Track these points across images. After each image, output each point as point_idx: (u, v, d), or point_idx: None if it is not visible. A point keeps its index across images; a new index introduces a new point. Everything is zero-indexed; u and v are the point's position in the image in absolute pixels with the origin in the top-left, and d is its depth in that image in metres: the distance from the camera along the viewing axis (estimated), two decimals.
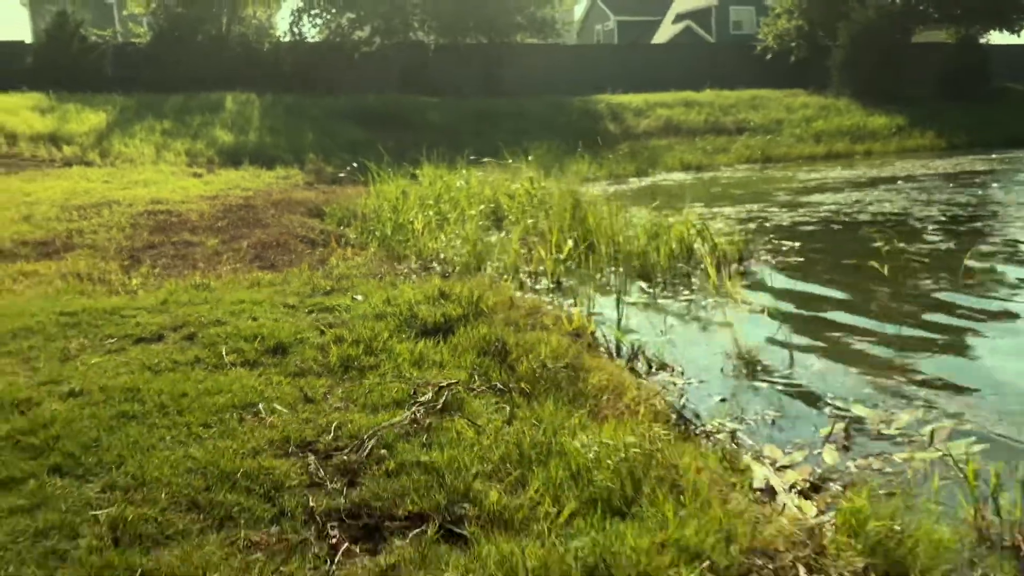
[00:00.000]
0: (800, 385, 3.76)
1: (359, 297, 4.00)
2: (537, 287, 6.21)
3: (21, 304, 4.20)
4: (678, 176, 17.84)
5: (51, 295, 4.53)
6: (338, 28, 25.37)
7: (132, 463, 2.05)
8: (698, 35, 33.24)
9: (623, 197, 11.07)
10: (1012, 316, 4.91)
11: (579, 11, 40.13)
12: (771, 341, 4.48)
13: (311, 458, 2.14)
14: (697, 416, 3.27)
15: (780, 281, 6.17)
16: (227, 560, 1.62)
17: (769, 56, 27.81)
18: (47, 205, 9.66)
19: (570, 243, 6.30)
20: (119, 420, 2.35)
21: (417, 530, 1.75)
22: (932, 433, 2.97)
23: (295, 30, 25.46)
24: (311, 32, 25.86)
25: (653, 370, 3.90)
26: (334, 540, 1.71)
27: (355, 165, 13.06)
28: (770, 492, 2.50)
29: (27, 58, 24.08)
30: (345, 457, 2.13)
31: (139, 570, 1.59)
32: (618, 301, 4.62)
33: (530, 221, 8.34)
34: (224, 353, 3.07)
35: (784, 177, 15.85)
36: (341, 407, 2.54)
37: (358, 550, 1.70)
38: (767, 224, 9.45)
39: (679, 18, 34.31)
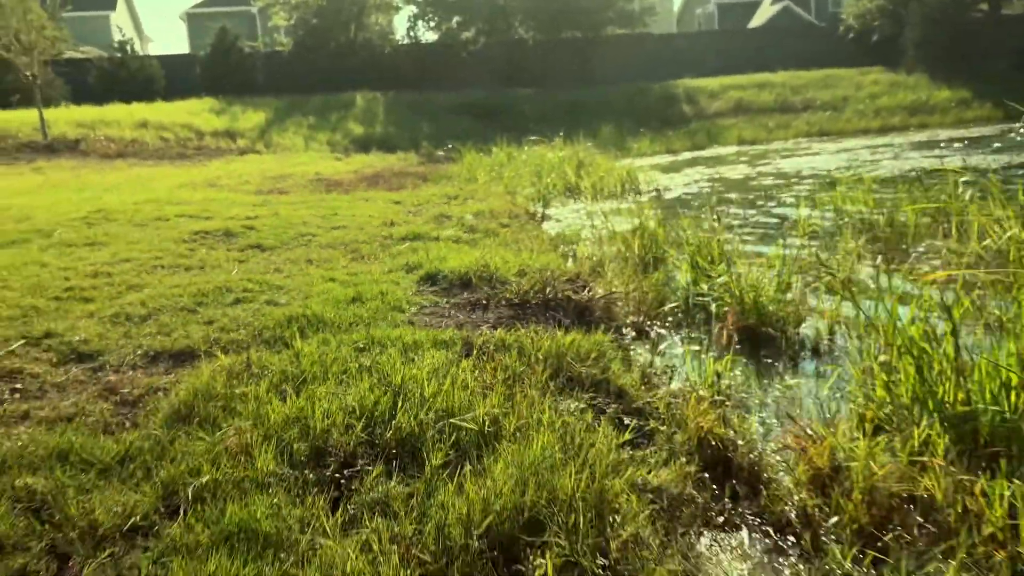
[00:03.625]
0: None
1: (429, 192, 11.38)
2: (534, 207, 13.31)
3: (289, 198, 11.81)
4: (724, 150, 24.20)
5: (306, 198, 12.17)
6: (448, 30, 33.28)
7: (349, 218, 9.40)
8: (796, 15, 38.85)
9: (657, 165, 18.01)
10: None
11: None
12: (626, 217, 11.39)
13: (403, 209, 9.42)
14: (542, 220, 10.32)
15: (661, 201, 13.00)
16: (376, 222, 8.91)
17: (851, 35, 33.24)
18: (250, 176, 17.59)
19: (547, 180, 13.40)
20: (356, 204, 9.70)
21: (430, 212, 8.96)
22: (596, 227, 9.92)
23: (411, 34, 33.68)
24: (425, 35, 34.00)
25: (548, 217, 10.95)
26: (393, 221, 8.93)
27: (449, 146, 20.65)
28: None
29: (196, 68, 33.28)
30: (414, 208, 9.37)
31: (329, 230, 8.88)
32: (544, 198, 11.74)
33: (554, 175, 15.44)
34: (381, 201, 10.42)
35: (794, 148, 22.05)
36: (414, 207, 9.80)
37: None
38: (716, 175, 16.09)
39: None
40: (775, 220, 9.41)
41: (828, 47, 33.87)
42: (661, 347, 4.85)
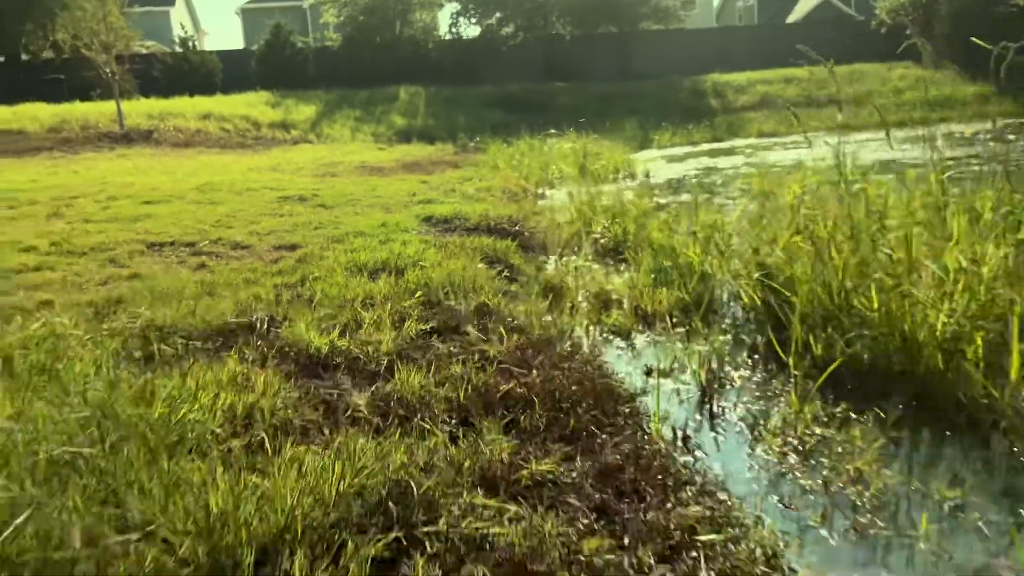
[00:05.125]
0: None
1: (453, 175, 15.46)
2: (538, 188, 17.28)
3: (340, 179, 15.97)
4: (741, 142, 27.87)
5: (354, 179, 16.33)
6: (489, 26, 37.44)
7: (385, 191, 13.47)
8: (836, 8, 42.14)
9: (669, 156, 21.90)
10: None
11: None
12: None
13: (427, 187, 13.48)
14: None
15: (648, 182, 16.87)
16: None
17: (883, 31, 36.49)
18: (305, 163, 21.88)
19: (553, 167, 17.37)
20: (392, 184, 13.79)
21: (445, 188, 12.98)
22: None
23: (453, 30, 37.94)
24: (466, 31, 38.24)
25: (546, 196, 14.92)
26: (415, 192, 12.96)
27: (477, 139, 24.78)
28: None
29: (251, 63, 37.81)
30: (436, 186, 13.39)
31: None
32: (549, 181, 15.73)
33: (561, 163, 19.41)
34: (412, 181, 14.51)
35: (801, 141, 25.61)
36: (436, 185, 13.86)
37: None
38: (711, 166, 19.89)
39: None
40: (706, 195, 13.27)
41: (862, 42, 37.14)
42: (564, 260, 8.82)
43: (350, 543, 2.28)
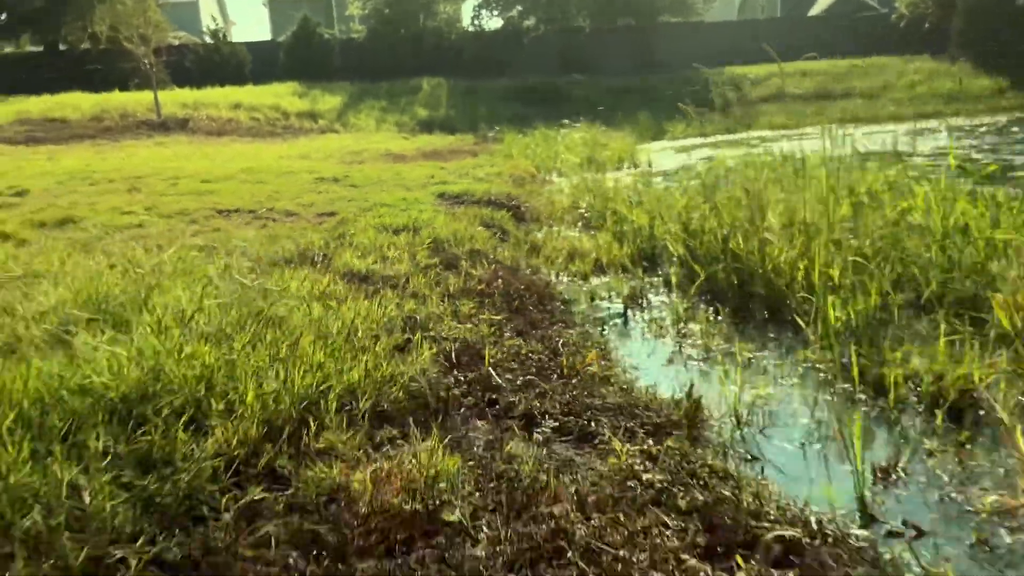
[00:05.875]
0: None
1: (469, 162, 17.84)
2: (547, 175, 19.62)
3: (366, 166, 18.40)
4: (751, 135, 30.02)
5: (379, 165, 18.77)
6: (510, 19, 39.82)
7: (407, 175, 15.88)
8: (857, 1, 44.07)
9: (679, 147, 24.18)
10: None
11: None
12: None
13: (445, 172, 15.88)
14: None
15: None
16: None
17: (902, 24, 38.47)
18: (332, 152, 24.33)
19: (563, 156, 19.71)
20: (413, 169, 16.26)
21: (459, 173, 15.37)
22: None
23: (475, 23, 40.34)
24: (488, 23, 40.64)
25: (548, 178, 17.24)
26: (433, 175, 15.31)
27: (496, 129, 27.17)
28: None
29: (278, 54, 40.38)
30: (452, 171, 15.83)
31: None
32: (558, 169, 18.09)
33: (569, 152, 21.71)
34: (431, 167, 16.92)
35: (807, 133, 27.78)
36: (453, 170, 16.25)
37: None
38: (711, 155, 22.12)
39: None
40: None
41: (881, 35, 39.12)
42: (551, 228, 11.17)
43: (383, 336, 4.65)
